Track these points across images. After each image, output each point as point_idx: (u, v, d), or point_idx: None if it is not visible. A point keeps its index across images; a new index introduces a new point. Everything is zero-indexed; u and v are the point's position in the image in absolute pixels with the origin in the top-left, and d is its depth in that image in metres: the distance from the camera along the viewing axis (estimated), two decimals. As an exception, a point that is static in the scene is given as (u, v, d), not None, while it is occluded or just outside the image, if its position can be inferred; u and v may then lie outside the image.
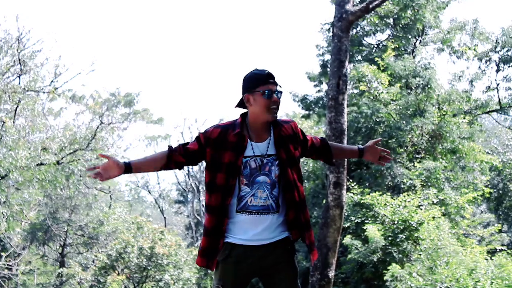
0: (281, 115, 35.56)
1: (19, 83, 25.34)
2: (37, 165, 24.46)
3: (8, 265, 28.11)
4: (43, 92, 26.24)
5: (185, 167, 36.17)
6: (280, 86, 4.87)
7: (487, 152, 26.24)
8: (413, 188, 20.89)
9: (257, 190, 4.82)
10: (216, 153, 4.83)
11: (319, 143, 5.17)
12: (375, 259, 17.97)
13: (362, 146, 5.27)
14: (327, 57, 28.48)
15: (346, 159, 14.44)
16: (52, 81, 26.12)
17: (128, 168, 4.87)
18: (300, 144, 5.02)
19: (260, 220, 4.83)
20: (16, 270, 32.18)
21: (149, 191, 53.76)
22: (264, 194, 4.82)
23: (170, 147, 4.99)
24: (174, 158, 4.93)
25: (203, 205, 44.06)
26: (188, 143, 4.97)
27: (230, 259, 4.85)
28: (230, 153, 4.79)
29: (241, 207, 4.82)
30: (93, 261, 30.87)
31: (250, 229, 4.83)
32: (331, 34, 20.49)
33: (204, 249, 4.91)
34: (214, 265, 4.90)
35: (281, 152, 4.84)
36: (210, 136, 4.85)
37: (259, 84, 4.80)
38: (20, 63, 24.71)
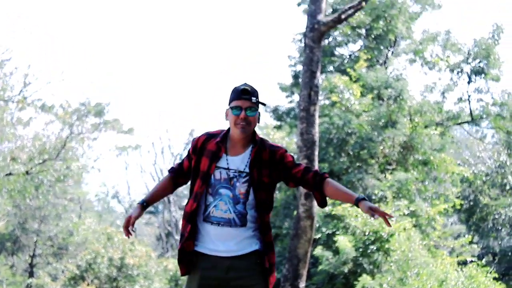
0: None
1: (-12, 93, 25.12)
2: (6, 175, 24.24)
3: (-24, 275, 27.80)
4: (12, 102, 26.02)
5: (156, 178, 35.75)
6: (257, 103, 4.80)
7: (459, 164, 26.28)
8: (384, 199, 20.86)
9: (219, 201, 4.78)
10: (198, 160, 4.86)
11: (312, 178, 4.93)
12: (346, 270, 17.92)
13: (361, 197, 4.80)
14: (299, 67, 28.44)
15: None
16: (21, 91, 25.90)
17: (145, 207, 5.02)
18: (283, 171, 4.90)
19: (222, 232, 4.78)
20: (-15, 280, 31.89)
21: (119, 201, 53.48)
22: (225, 207, 4.78)
23: (171, 170, 5.08)
24: (177, 181, 5.06)
25: (173, 216, 43.90)
26: (183, 160, 5.06)
27: (196, 269, 4.82)
28: (206, 160, 4.81)
29: (206, 216, 4.81)
30: (62, 272, 30.59)
31: (215, 240, 4.78)
32: (303, 44, 20.45)
33: (178, 255, 4.93)
34: (183, 270, 4.92)
35: (254, 172, 4.80)
36: (196, 143, 4.90)
37: (233, 99, 4.81)
38: (-12, 72, 24.50)
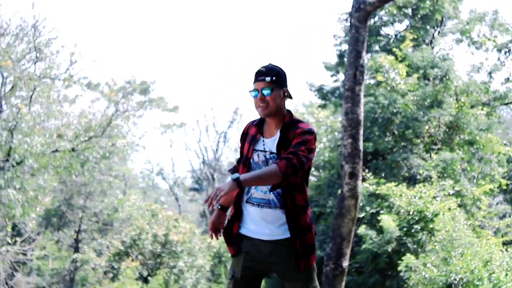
0: (296, 104, 35.45)
1: (35, 71, 25.34)
2: (52, 151, 24.48)
3: (23, 250, 28.13)
4: (59, 80, 26.22)
5: (200, 155, 35.90)
6: (272, 81, 4.79)
7: (505, 144, 26.03)
8: (429, 179, 20.80)
9: None
10: (243, 146, 4.99)
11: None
12: (389, 250, 17.94)
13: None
14: (345, 47, 28.37)
15: (362, 150, 14.37)
16: (67, 69, 26.11)
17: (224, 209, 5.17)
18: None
19: (262, 213, 4.85)
20: (31, 255, 32.28)
21: (163, 178, 53.84)
22: (265, 188, 4.82)
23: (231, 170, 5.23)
24: None
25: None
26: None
27: (240, 251, 4.92)
28: (247, 144, 4.93)
29: (248, 198, 4.90)
30: (107, 247, 30.91)
31: (256, 221, 4.87)
32: (348, 24, 20.37)
33: (224, 235, 5.05)
34: (232, 251, 4.99)
35: (282, 152, 4.79)
36: (242, 133, 5.05)
37: (253, 82, 4.87)
38: (35, 50, 24.70)
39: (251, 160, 4.88)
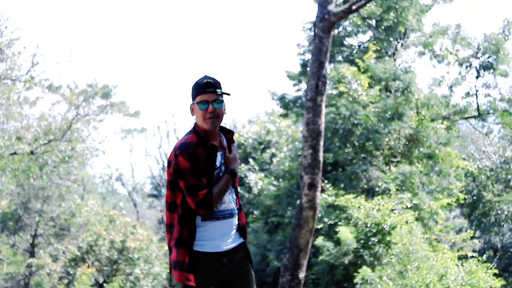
0: (258, 113, 35.37)
1: (-4, 71, 25.08)
2: (11, 154, 24.23)
3: (-23, 253, 27.88)
4: (20, 81, 25.98)
5: (160, 161, 35.73)
6: (222, 94, 4.73)
7: (464, 158, 26.23)
8: (387, 191, 20.84)
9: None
10: (201, 175, 4.69)
11: None
12: (346, 262, 17.93)
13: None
14: (308, 56, 28.34)
15: (321, 161, 14.34)
16: (29, 70, 25.87)
17: None
18: None
19: (228, 224, 4.79)
20: (-14, 258, 31.94)
21: (123, 184, 53.54)
22: (228, 198, 4.80)
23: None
24: None
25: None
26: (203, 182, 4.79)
27: (199, 269, 4.72)
28: (206, 173, 4.69)
29: (211, 214, 4.75)
30: (63, 253, 30.64)
31: (217, 236, 4.76)
32: (312, 33, 20.36)
33: (183, 262, 4.76)
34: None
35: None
36: (194, 163, 4.69)
37: (197, 94, 4.74)
38: (-3, 51, 24.44)
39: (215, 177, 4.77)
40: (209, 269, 4.73)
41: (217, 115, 4.71)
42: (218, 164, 4.77)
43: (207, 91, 4.70)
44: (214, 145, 4.74)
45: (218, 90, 4.72)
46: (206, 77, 4.77)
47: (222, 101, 4.75)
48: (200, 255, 4.73)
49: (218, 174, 4.75)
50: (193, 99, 4.77)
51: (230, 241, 4.79)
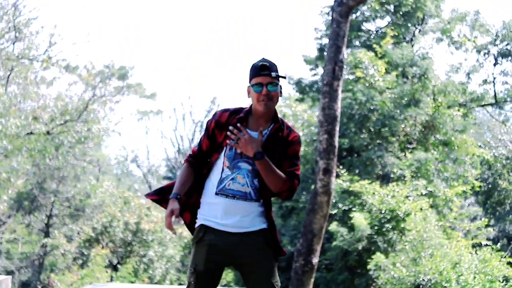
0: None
1: (13, 50, 25.15)
2: (27, 134, 24.33)
3: (-7, 232, 28.08)
4: (37, 61, 26.06)
5: (175, 144, 35.69)
6: (277, 77, 4.78)
7: (480, 146, 26.13)
8: (402, 178, 20.80)
9: (237, 175, 4.79)
10: (220, 134, 4.84)
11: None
12: (360, 248, 17.93)
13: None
14: (325, 41, 28.28)
15: (337, 147, 14.31)
16: (46, 50, 25.94)
17: (179, 199, 4.84)
18: (281, 153, 4.90)
19: (235, 205, 4.77)
20: (1, 238, 32.10)
21: (138, 165, 53.64)
22: (244, 181, 4.78)
23: (188, 159, 5.03)
24: (199, 165, 4.99)
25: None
26: (201, 142, 4.98)
27: (203, 242, 4.80)
28: (224, 133, 4.79)
29: (220, 189, 4.79)
30: (78, 233, 30.75)
31: (226, 214, 4.77)
32: (330, 18, 20.28)
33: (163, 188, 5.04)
34: (162, 203, 4.97)
35: (268, 148, 4.79)
36: (218, 119, 4.88)
37: (253, 76, 4.79)
38: (15, 29, 24.49)
39: (232, 151, 4.80)
40: (211, 246, 4.78)
41: (271, 98, 4.76)
42: None
43: (261, 74, 4.75)
44: (241, 118, 4.82)
45: (273, 73, 4.75)
46: (262, 59, 4.82)
47: (277, 84, 4.79)
48: (205, 229, 4.81)
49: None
50: (249, 81, 4.83)
51: (237, 224, 4.78)
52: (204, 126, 5.01)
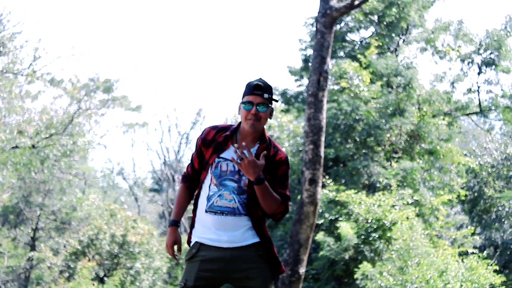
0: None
1: (-3, 65, 25.08)
2: (12, 148, 24.26)
3: (-21, 247, 27.94)
4: (21, 75, 26.00)
5: (161, 156, 35.54)
6: (270, 99, 4.83)
7: (465, 154, 26.22)
8: (388, 187, 20.85)
9: (224, 191, 4.82)
10: (206, 151, 4.89)
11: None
12: (346, 257, 17.95)
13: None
14: (310, 51, 28.32)
15: (323, 157, 14.34)
16: (31, 64, 25.88)
17: (178, 226, 5.00)
18: (271, 175, 4.92)
19: (225, 221, 4.80)
20: (-13, 252, 31.96)
21: (124, 178, 53.53)
22: (230, 197, 4.82)
23: (183, 180, 5.10)
24: (194, 185, 5.04)
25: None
26: (192, 161, 5.05)
27: (196, 258, 4.83)
28: (211, 150, 4.85)
29: (209, 206, 4.83)
30: (64, 246, 30.64)
31: (217, 230, 4.80)
32: (314, 29, 20.35)
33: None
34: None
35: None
36: (206, 137, 4.93)
37: (246, 94, 4.84)
38: (-1, 44, 24.44)
39: (218, 169, 4.83)
40: (204, 261, 4.80)
41: (259, 118, 4.80)
42: (227, 156, 4.83)
43: (254, 93, 4.80)
44: (227, 136, 4.86)
45: (266, 95, 4.81)
46: (258, 80, 4.87)
47: (268, 106, 4.83)
48: (199, 246, 4.85)
49: (218, 163, 4.83)
50: (242, 98, 4.87)
51: (229, 239, 4.79)
52: (194, 143, 5.06)
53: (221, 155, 4.83)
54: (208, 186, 4.84)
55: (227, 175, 4.81)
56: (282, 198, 4.90)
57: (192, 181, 5.05)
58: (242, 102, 4.82)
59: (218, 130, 4.93)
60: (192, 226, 4.97)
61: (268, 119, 4.88)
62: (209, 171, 4.85)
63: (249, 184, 4.80)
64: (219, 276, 4.82)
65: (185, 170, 5.10)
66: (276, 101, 4.86)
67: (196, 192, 4.95)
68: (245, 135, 4.85)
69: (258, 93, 4.79)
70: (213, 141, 4.87)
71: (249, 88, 4.81)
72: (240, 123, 4.91)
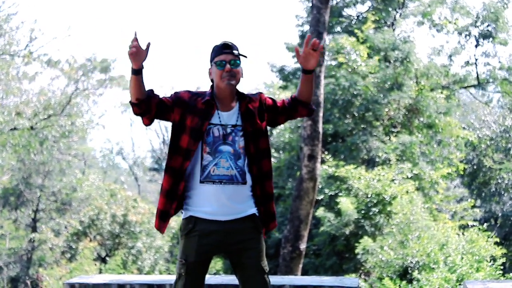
0: (258, 84, 35.29)
1: (-6, 47, 25.04)
2: (11, 129, 24.26)
3: (-20, 229, 28.02)
4: (18, 56, 25.96)
5: (160, 135, 35.56)
6: (238, 55, 4.82)
7: (464, 127, 26.23)
8: (388, 162, 20.86)
9: (220, 159, 4.75)
10: (183, 115, 4.77)
11: (290, 99, 4.99)
12: (347, 232, 18.00)
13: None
14: (307, 27, 28.24)
15: (321, 132, 14.35)
16: (27, 45, 25.84)
17: (141, 70, 4.74)
18: (269, 112, 4.94)
19: (224, 190, 4.73)
20: (-12, 234, 32.03)
21: (123, 158, 53.58)
22: (227, 164, 4.75)
23: (151, 90, 4.82)
24: (152, 100, 4.76)
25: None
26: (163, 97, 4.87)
27: (193, 233, 4.76)
28: (196, 118, 4.74)
29: (205, 177, 4.75)
30: (65, 227, 30.66)
31: (215, 201, 4.73)
32: (310, 4, 20.29)
33: (161, 211, 4.88)
34: (164, 228, 4.92)
35: (247, 125, 4.80)
36: (181, 96, 4.82)
37: (215, 55, 4.82)
38: (-5, 26, 24.39)
39: (211, 136, 4.75)
40: (202, 236, 4.76)
41: (234, 74, 4.78)
42: (215, 121, 4.77)
43: (224, 52, 4.79)
44: (208, 101, 4.78)
45: (235, 51, 4.81)
46: (222, 41, 4.86)
47: (239, 62, 4.83)
48: (195, 220, 4.77)
49: (210, 130, 4.75)
50: (211, 61, 4.86)
51: (225, 212, 4.75)
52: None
53: (211, 121, 4.76)
54: (200, 155, 4.75)
55: (220, 140, 4.75)
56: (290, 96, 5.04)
57: (153, 99, 4.77)
58: (214, 63, 4.79)
59: (193, 94, 4.86)
60: (181, 198, 4.83)
61: (241, 76, 4.85)
62: (199, 141, 4.74)
63: (245, 145, 4.77)
64: (217, 249, 4.82)
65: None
66: (245, 56, 4.84)
67: (182, 163, 4.76)
68: (223, 95, 4.81)
69: (227, 51, 4.78)
70: (190, 106, 4.77)
71: (218, 48, 4.82)
72: (212, 87, 4.87)
